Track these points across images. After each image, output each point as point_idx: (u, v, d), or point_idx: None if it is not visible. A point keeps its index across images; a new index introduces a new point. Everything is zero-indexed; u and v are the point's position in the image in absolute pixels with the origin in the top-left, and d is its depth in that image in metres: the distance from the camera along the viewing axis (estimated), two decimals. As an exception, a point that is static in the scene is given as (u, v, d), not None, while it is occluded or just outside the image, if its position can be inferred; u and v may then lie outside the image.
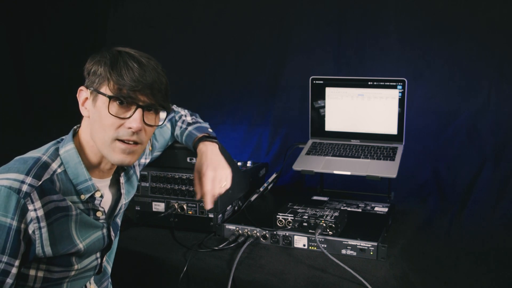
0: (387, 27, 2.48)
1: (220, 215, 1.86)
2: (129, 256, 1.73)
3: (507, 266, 1.62)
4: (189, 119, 1.78)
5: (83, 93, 1.25)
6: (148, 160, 1.68)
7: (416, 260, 1.64)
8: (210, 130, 1.75)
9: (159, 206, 1.90)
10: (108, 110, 1.19)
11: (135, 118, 1.21)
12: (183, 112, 1.82)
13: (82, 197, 1.25)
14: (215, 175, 1.54)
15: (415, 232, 1.90)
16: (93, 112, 1.23)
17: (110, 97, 1.19)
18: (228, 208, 1.93)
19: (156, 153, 1.74)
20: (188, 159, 1.81)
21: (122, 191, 1.39)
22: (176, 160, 1.83)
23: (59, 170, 1.22)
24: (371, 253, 1.61)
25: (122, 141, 1.22)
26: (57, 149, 1.25)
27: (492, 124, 2.33)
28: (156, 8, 2.96)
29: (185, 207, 1.86)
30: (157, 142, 1.71)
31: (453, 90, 2.40)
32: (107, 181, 1.35)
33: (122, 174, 1.40)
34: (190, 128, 1.73)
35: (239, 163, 2.21)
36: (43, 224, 1.17)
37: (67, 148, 1.25)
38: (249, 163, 2.26)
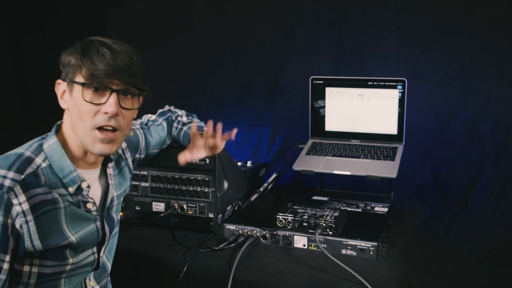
0: (387, 27, 2.48)
1: (220, 215, 1.86)
2: (129, 256, 1.73)
3: (507, 266, 1.62)
4: (184, 119, 1.79)
5: (60, 86, 1.26)
6: (143, 156, 1.67)
7: (416, 260, 1.64)
8: (205, 128, 1.75)
9: (159, 206, 1.90)
10: (83, 97, 1.20)
11: (110, 103, 1.21)
12: (180, 112, 1.83)
13: (70, 189, 1.25)
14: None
15: (415, 232, 1.90)
16: (70, 103, 1.24)
17: (83, 84, 1.20)
18: (228, 208, 1.93)
19: (153, 151, 1.73)
20: (188, 159, 1.81)
21: (110, 181, 1.39)
22: (176, 160, 1.82)
23: (43, 165, 1.22)
24: (371, 253, 1.61)
25: (101, 129, 1.22)
26: (41, 145, 1.26)
27: (492, 124, 2.33)
28: (156, 8, 2.96)
29: (185, 207, 1.86)
30: (151, 138, 1.70)
31: (453, 90, 2.40)
32: (96, 172, 1.35)
33: (110, 165, 1.40)
34: (185, 128, 1.74)
35: (239, 163, 2.21)
36: (29, 218, 1.17)
37: (50, 142, 1.26)
38: (249, 163, 2.26)
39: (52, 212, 1.22)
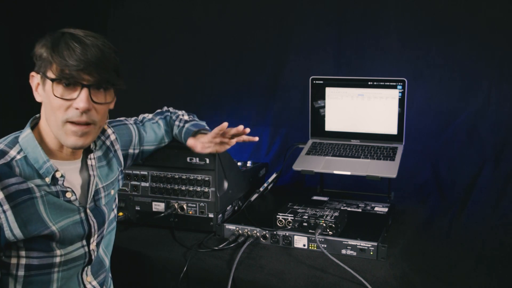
0: (387, 27, 2.48)
1: (220, 215, 1.86)
2: (129, 256, 1.73)
3: (507, 266, 1.62)
4: (186, 117, 1.80)
5: (34, 79, 1.26)
6: (137, 151, 1.66)
7: (416, 260, 1.64)
8: (207, 127, 1.76)
9: (159, 206, 1.90)
10: (53, 92, 1.20)
11: (81, 98, 1.21)
12: (180, 112, 1.83)
13: (47, 179, 1.25)
14: None
15: (415, 232, 1.90)
16: (44, 96, 1.25)
17: (53, 80, 1.20)
18: (228, 208, 1.93)
19: (148, 147, 1.71)
20: (188, 159, 1.81)
21: (92, 173, 1.38)
22: (176, 160, 1.83)
23: (18, 157, 1.23)
24: (371, 253, 1.61)
25: (73, 123, 1.23)
26: (16, 137, 1.27)
27: (492, 124, 2.33)
28: (156, 8, 2.96)
29: (185, 207, 1.86)
30: (145, 133, 1.69)
31: (453, 90, 2.40)
32: (76, 163, 1.35)
33: (92, 156, 1.39)
34: (187, 125, 1.74)
35: (239, 163, 2.21)
36: (6, 207, 1.18)
37: (24, 134, 1.27)
38: (249, 163, 2.26)
39: (29, 201, 1.22)
